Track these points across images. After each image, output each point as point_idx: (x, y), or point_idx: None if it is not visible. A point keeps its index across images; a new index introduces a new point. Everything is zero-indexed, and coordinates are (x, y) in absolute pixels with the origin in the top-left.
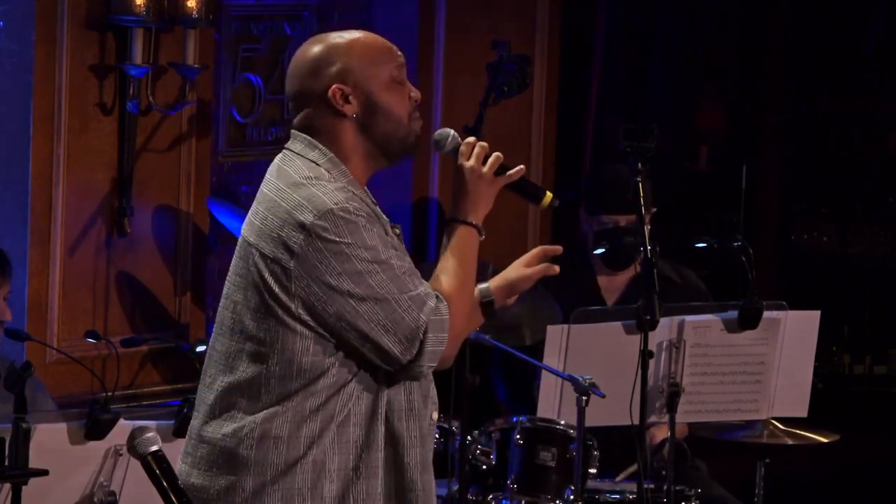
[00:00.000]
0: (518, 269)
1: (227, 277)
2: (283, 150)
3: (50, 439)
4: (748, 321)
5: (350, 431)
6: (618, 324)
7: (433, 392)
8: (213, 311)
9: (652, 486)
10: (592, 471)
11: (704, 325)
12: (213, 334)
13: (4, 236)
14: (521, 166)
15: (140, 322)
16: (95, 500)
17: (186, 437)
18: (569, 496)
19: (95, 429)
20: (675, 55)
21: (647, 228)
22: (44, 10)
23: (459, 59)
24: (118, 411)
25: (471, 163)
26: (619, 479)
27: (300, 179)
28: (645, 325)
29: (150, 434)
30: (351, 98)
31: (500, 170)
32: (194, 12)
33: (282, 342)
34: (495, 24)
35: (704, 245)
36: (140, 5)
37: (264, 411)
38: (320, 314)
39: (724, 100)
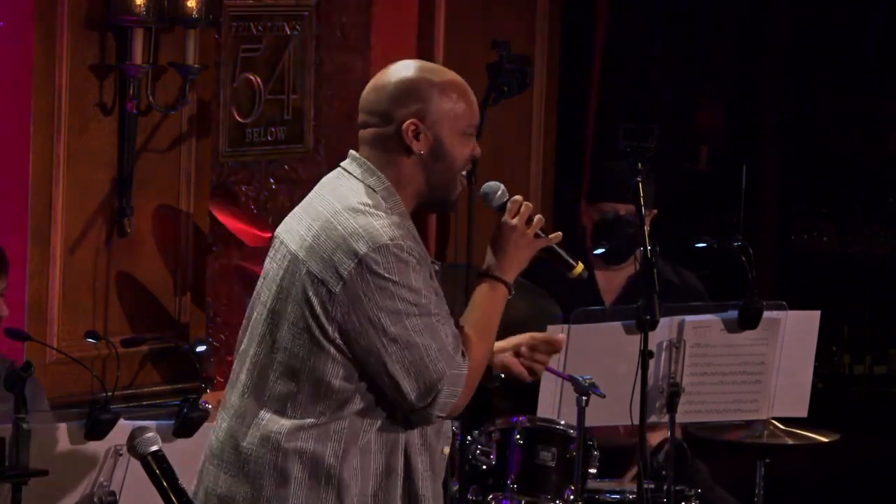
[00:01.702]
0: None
1: (264, 283)
2: (340, 169)
3: (50, 439)
4: (748, 321)
5: (372, 459)
6: (618, 324)
7: (446, 428)
8: (213, 311)
9: (652, 486)
10: (592, 471)
11: (704, 325)
12: (245, 337)
13: (4, 236)
14: (559, 233)
15: (140, 322)
16: (95, 500)
17: (213, 436)
18: (569, 496)
19: (95, 429)
20: (675, 55)
21: (646, 229)
22: (44, 11)
23: (459, 59)
24: (118, 411)
25: (516, 222)
26: (625, 478)
27: (358, 205)
28: (645, 325)
29: (150, 434)
30: (422, 137)
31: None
32: (194, 12)
33: (314, 361)
34: (495, 24)
35: (704, 245)
36: (140, 5)
37: (292, 425)
38: (352, 343)
39: (724, 100)
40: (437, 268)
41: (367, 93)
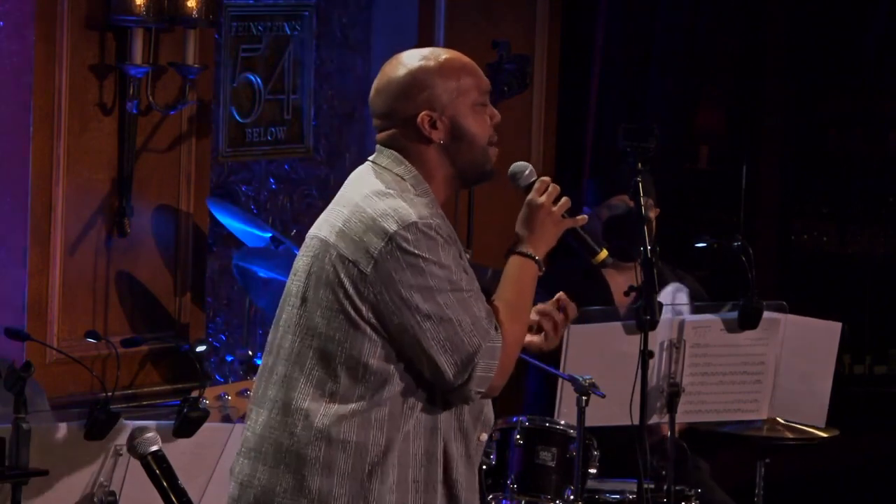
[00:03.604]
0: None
1: (293, 279)
2: (369, 162)
3: (50, 439)
4: (748, 321)
5: (412, 445)
6: (618, 324)
7: (487, 413)
8: (213, 311)
9: (652, 486)
10: (592, 471)
11: (704, 325)
12: (278, 332)
13: (4, 236)
14: (584, 216)
15: (140, 322)
16: (95, 500)
17: (248, 431)
18: (569, 496)
19: (95, 429)
20: (675, 55)
21: (653, 225)
22: (44, 10)
23: None
24: (118, 411)
25: (543, 199)
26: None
27: (387, 189)
28: (645, 325)
29: (150, 434)
30: (438, 124)
31: (566, 213)
32: (194, 12)
33: (350, 342)
34: (495, 24)
35: (704, 245)
36: (140, 5)
37: (334, 415)
38: (386, 322)
39: (724, 100)
40: (468, 255)
41: (373, 97)
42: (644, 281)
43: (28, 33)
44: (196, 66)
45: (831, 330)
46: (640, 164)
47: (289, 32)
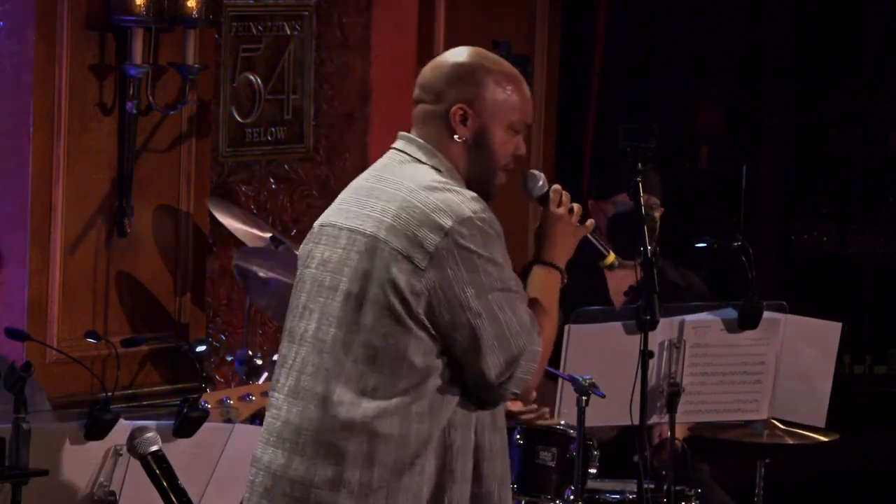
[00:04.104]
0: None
1: (325, 270)
2: (396, 151)
3: (50, 439)
4: (748, 321)
5: (449, 436)
6: (618, 324)
7: (500, 418)
8: (213, 311)
9: (652, 486)
10: (592, 471)
11: (704, 325)
12: (303, 320)
13: (4, 236)
14: (593, 220)
15: (140, 322)
16: (95, 500)
17: (278, 421)
18: (569, 496)
19: (95, 429)
20: (675, 55)
21: (657, 224)
22: (44, 10)
23: None
24: (118, 411)
25: (562, 211)
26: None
27: (432, 182)
28: (645, 325)
29: (150, 434)
30: (468, 122)
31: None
32: (194, 12)
33: (397, 339)
34: (495, 24)
35: (704, 245)
36: (140, 5)
37: (376, 408)
38: (437, 317)
39: (724, 100)
40: None
41: (426, 70)
42: (644, 281)
43: (28, 33)
44: (196, 66)
45: (831, 330)
46: (640, 164)
47: (289, 32)
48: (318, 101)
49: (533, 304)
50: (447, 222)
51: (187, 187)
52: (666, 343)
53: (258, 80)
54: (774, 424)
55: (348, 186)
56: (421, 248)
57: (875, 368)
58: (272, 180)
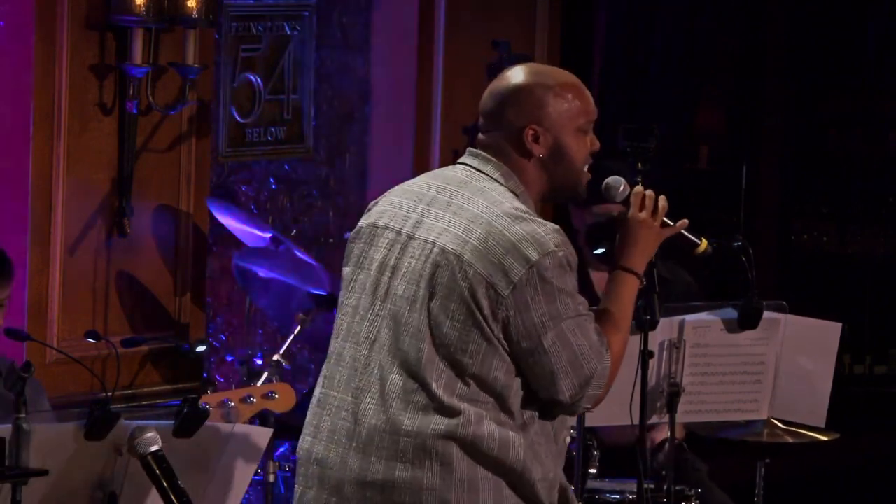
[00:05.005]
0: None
1: (401, 279)
2: (470, 168)
3: (50, 439)
4: (748, 321)
5: (538, 443)
6: None
7: (570, 419)
8: (213, 311)
9: (652, 486)
10: (592, 471)
11: (704, 325)
12: (384, 328)
13: (4, 236)
14: (685, 220)
15: (140, 322)
16: (95, 500)
17: (349, 422)
18: None
19: (95, 429)
20: (675, 55)
21: None
22: (44, 10)
23: (459, 59)
24: (118, 411)
25: (644, 216)
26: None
27: (515, 210)
28: (645, 325)
29: (150, 434)
30: (541, 139)
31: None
32: (194, 12)
33: (483, 355)
34: (495, 24)
35: None
36: (140, 5)
37: (462, 416)
38: (514, 343)
39: (724, 100)
40: None
41: (486, 98)
42: (644, 281)
43: (28, 33)
44: (196, 66)
45: (831, 330)
46: (640, 164)
47: (289, 32)
48: (318, 101)
49: (604, 316)
50: (533, 255)
51: (187, 187)
52: (666, 343)
53: (258, 80)
54: (774, 423)
55: (401, 190)
56: (506, 276)
57: (875, 368)
58: (272, 180)
